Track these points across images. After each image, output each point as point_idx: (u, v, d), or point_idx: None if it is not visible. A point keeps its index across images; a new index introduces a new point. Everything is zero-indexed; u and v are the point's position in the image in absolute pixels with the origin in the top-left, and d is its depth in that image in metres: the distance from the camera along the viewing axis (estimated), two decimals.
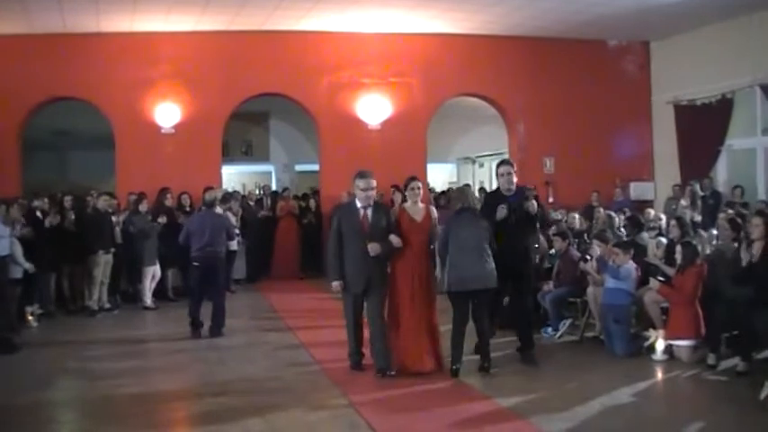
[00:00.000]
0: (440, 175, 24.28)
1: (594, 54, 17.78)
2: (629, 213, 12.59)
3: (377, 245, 7.86)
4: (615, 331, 8.78)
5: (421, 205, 8.29)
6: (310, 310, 12.71)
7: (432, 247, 8.23)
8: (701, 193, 15.02)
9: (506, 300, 9.15)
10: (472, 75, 17.13)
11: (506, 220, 8.31)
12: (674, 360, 8.38)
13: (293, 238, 16.92)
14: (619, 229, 11.76)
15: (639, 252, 9.83)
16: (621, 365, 8.35)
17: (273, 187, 22.26)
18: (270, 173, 24.22)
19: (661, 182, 17.76)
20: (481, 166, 23.46)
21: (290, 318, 11.91)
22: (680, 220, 10.30)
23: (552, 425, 6.26)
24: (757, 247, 7.93)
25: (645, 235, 10.89)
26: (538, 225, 9.17)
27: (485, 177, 22.55)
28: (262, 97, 16.75)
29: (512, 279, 8.47)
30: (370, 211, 8.00)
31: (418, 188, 8.24)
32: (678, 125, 17.27)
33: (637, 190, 17.43)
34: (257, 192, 20.44)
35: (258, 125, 22.90)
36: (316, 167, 18.07)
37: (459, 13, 15.26)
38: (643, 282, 9.16)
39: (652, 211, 13.41)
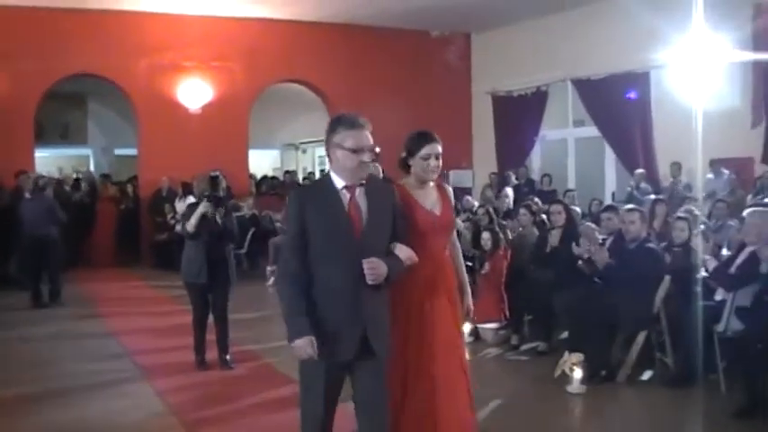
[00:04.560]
0: (264, 161, 24.09)
1: (418, 44, 18.06)
2: None
3: (379, 262, 3.92)
4: None
5: (432, 185, 4.78)
6: (124, 298, 12.32)
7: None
8: (515, 182, 15.58)
9: None
10: (295, 61, 17.03)
11: None
12: (480, 341, 8.64)
13: (110, 225, 16.38)
14: None
15: None
16: None
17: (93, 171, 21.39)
18: (88, 156, 23.31)
19: (479, 170, 18.28)
20: (304, 152, 23.50)
21: (104, 306, 11.53)
22: (484, 207, 10.64)
23: None
24: (556, 234, 8.33)
25: (459, 221, 11.14)
26: None
27: (308, 163, 22.60)
28: (79, 78, 16.04)
29: None
30: (361, 195, 4.03)
31: (437, 156, 4.66)
32: (496, 115, 17.86)
33: (456, 178, 17.85)
34: (74, 176, 19.67)
35: (76, 107, 21.97)
36: (135, 151, 17.53)
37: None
38: None
39: (470, 198, 13.80)
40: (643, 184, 13.68)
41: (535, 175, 16.64)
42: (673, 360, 7.14)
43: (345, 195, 4.02)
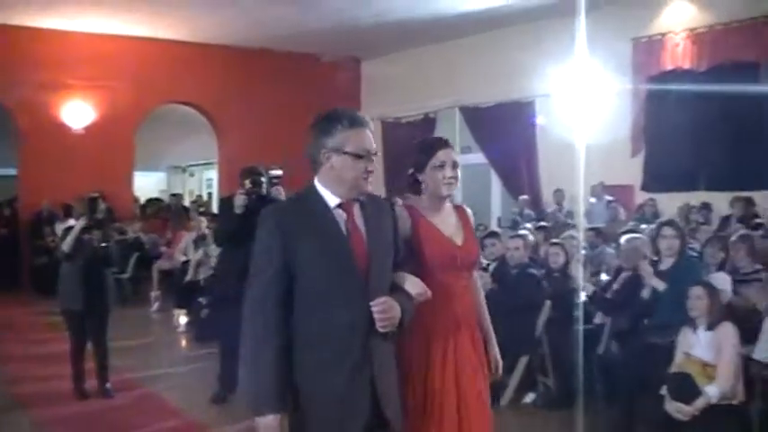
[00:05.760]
0: (150, 184, 23.54)
1: (308, 68, 18.04)
2: None
3: (392, 302, 3.09)
4: None
5: (449, 205, 3.83)
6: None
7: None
8: None
9: None
10: (184, 82, 16.81)
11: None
12: None
13: None
14: None
15: None
16: None
17: None
18: None
19: None
20: (192, 175, 23.15)
21: None
22: None
23: None
24: None
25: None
26: None
27: (195, 187, 22.26)
28: None
29: None
30: (358, 214, 3.21)
31: (454, 164, 3.70)
32: (385, 141, 17.93)
33: None
34: None
35: None
36: (14, 171, 16.88)
37: (170, 19, 14.92)
38: None
39: None
40: (527, 211, 13.95)
41: None
42: (554, 382, 7.25)
43: (341, 216, 3.14)
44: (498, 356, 3.93)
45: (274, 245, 3.06)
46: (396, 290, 3.18)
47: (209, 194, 21.59)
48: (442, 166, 3.67)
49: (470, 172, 16.77)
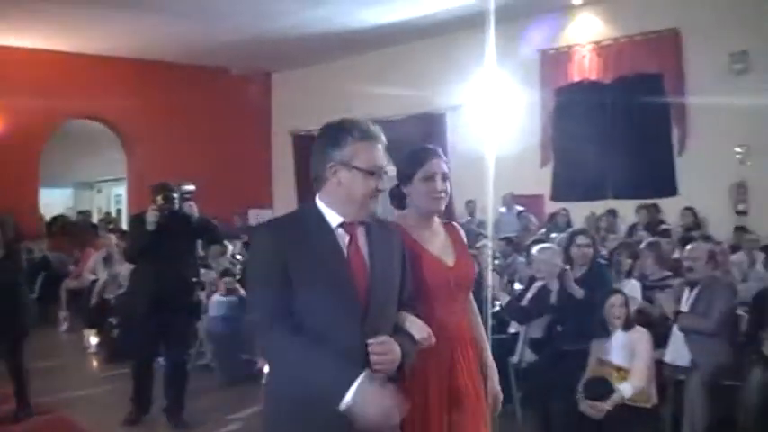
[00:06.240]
0: (56, 200, 22.96)
1: (218, 82, 17.88)
2: (245, 239, 12.75)
3: (391, 342, 2.71)
4: (224, 357, 8.79)
5: (437, 222, 3.47)
6: None
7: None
8: None
9: None
10: (92, 97, 16.33)
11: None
12: None
13: None
14: (233, 256, 11.83)
15: None
16: (230, 392, 8.35)
17: None
18: None
19: (280, 209, 18.18)
20: (99, 191, 22.68)
21: None
22: None
23: None
24: None
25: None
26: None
27: (103, 204, 21.81)
28: None
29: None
30: (362, 237, 2.86)
31: (444, 176, 3.36)
32: (296, 154, 17.91)
33: (256, 217, 17.69)
34: None
35: None
36: None
37: (77, 32, 14.61)
38: None
39: None
40: None
41: None
42: None
43: (343, 237, 2.78)
44: (498, 392, 3.52)
45: (271, 262, 2.69)
46: (397, 331, 2.81)
47: (118, 211, 21.17)
48: (431, 179, 3.32)
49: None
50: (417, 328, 2.86)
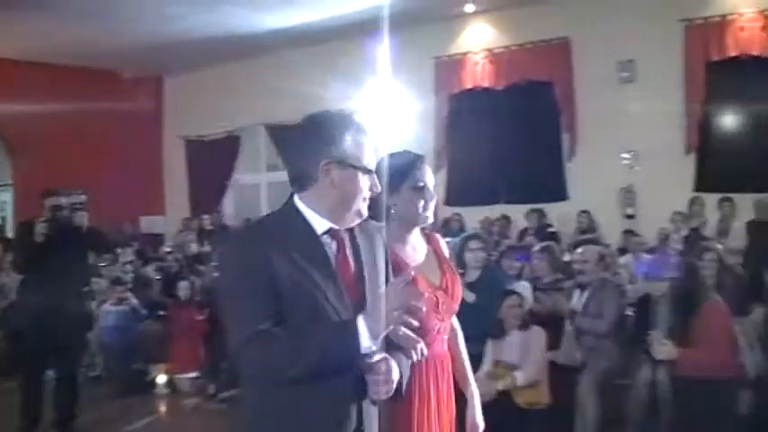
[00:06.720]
0: None
1: (107, 85, 17.43)
2: (136, 247, 12.50)
3: (389, 362, 2.43)
4: (116, 368, 8.62)
5: (418, 233, 3.21)
6: None
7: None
8: (209, 227, 15.41)
9: None
10: None
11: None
12: (177, 392, 8.38)
13: None
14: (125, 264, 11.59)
15: (145, 286, 9.78)
16: (122, 403, 8.15)
17: None
18: None
19: (173, 215, 17.90)
20: None
21: None
22: (185, 254, 10.46)
23: None
24: None
25: (149, 269, 10.88)
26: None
27: None
28: None
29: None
30: (349, 243, 2.59)
31: (429, 188, 3.13)
32: (188, 160, 17.65)
33: (147, 224, 17.36)
34: None
35: None
36: None
37: None
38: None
39: (164, 247, 13.43)
40: None
41: (229, 221, 16.53)
42: None
43: (330, 245, 2.49)
44: (477, 422, 3.25)
45: (256, 273, 2.35)
46: (390, 346, 2.46)
47: (3, 218, 20.46)
48: (421, 189, 3.04)
49: (278, 189, 16.79)
50: (410, 340, 2.50)
